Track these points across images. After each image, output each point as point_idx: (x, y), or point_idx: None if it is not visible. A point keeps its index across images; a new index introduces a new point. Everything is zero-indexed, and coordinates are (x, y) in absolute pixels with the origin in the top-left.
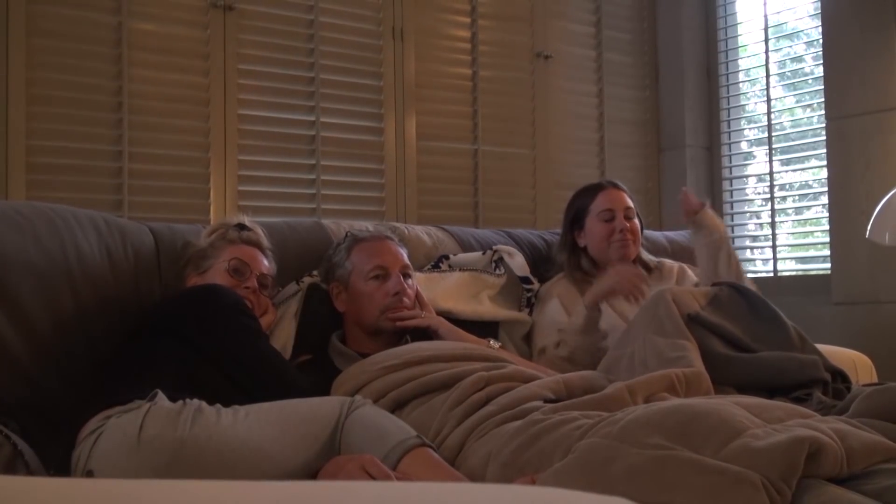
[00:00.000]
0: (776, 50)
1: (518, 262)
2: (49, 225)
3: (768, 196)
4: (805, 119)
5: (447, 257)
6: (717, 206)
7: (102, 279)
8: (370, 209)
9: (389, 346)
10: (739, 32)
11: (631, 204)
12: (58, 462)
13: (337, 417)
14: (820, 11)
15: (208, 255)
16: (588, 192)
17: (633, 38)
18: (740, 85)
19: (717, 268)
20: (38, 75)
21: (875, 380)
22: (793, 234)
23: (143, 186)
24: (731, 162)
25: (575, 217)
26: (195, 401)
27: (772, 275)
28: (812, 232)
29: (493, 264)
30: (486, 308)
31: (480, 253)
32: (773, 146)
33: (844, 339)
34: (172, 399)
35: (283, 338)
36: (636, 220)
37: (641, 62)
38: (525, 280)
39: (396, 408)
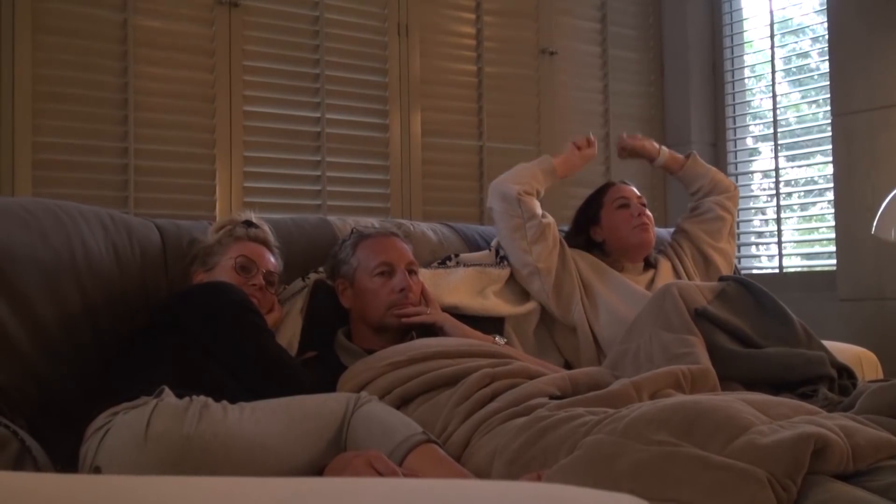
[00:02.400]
0: (782, 46)
1: None
2: (56, 222)
3: (774, 192)
4: (811, 115)
5: (456, 255)
6: None
7: (109, 276)
8: (375, 205)
9: (395, 343)
10: (745, 28)
11: (641, 195)
12: (65, 458)
13: (343, 414)
14: (826, 7)
15: (215, 252)
16: (599, 191)
17: (638, 35)
18: (746, 81)
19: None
20: (45, 72)
21: (881, 376)
22: (798, 230)
23: (148, 183)
24: (736, 158)
25: (589, 214)
26: (202, 397)
27: (777, 271)
28: (817, 228)
29: (498, 258)
30: (492, 303)
31: (487, 251)
32: (779, 142)
33: (850, 335)
34: (179, 396)
35: (289, 334)
36: (648, 212)
37: (647, 58)
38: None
39: (402, 404)
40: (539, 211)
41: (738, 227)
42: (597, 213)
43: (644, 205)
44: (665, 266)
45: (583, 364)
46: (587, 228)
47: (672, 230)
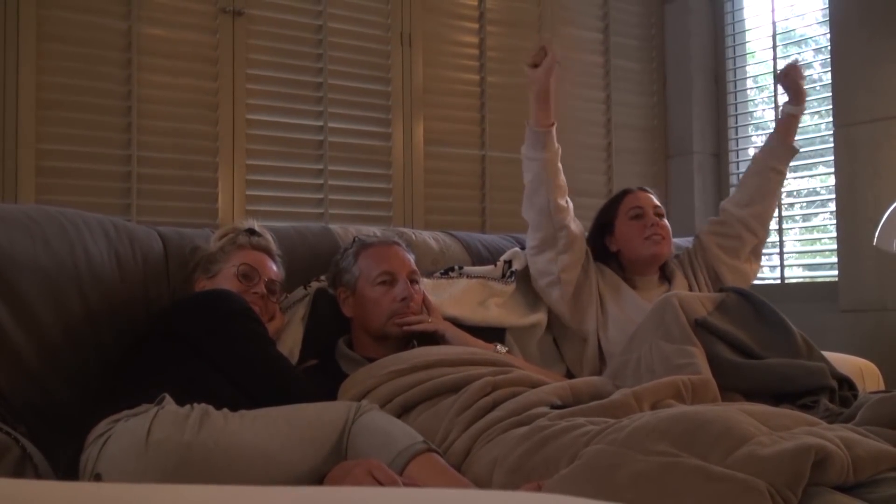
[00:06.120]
0: (784, 56)
1: (521, 262)
2: (58, 229)
3: None
4: (813, 126)
5: (460, 267)
6: None
7: (111, 283)
8: (377, 214)
9: (396, 351)
10: (747, 39)
11: (659, 203)
12: (66, 465)
13: (344, 422)
14: (828, 18)
15: (217, 260)
16: (615, 198)
17: (640, 45)
18: (748, 91)
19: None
20: (48, 79)
21: (882, 387)
22: (800, 240)
23: (151, 190)
24: (738, 168)
25: (604, 223)
26: (202, 405)
27: (779, 282)
28: (819, 239)
29: (506, 273)
30: (494, 314)
31: (492, 266)
32: None
33: (851, 346)
34: (180, 403)
35: (291, 342)
36: (666, 221)
37: (649, 68)
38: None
39: (403, 413)
40: (569, 222)
41: None
42: (611, 223)
43: (661, 214)
44: (680, 280)
45: (585, 374)
46: (602, 237)
47: (691, 238)
